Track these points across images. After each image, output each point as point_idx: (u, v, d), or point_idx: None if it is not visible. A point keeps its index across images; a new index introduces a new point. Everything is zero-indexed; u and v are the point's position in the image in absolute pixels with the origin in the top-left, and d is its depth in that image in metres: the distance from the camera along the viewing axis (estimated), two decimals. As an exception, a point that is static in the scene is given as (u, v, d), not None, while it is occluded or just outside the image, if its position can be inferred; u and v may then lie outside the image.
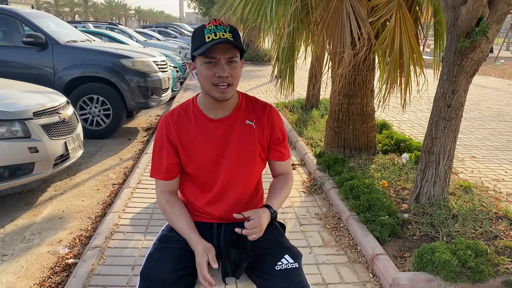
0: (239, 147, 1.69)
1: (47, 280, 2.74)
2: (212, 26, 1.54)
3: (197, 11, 38.43)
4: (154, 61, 6.44)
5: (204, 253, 1.55)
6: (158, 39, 16.21)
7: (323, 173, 4.37)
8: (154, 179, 1.74)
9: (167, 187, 1.73)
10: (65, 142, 3.88)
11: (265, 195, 1.89)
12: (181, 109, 1.72)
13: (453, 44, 3.10)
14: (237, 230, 1.55)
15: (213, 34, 1.52)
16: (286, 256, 1.58)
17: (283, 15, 4.25)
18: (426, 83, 4.27)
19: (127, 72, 5.95)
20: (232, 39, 1.52)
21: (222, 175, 1.70)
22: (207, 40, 1.51)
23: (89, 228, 3.46)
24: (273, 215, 1.67)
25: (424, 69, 4.18)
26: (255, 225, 1.55)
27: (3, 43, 6.01)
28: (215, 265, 1.53)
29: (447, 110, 3.24)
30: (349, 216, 3.39)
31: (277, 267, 1.55)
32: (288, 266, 1.55)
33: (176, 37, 22.05)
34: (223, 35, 1.52)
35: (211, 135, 1.67)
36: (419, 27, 4.43)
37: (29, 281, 2.72)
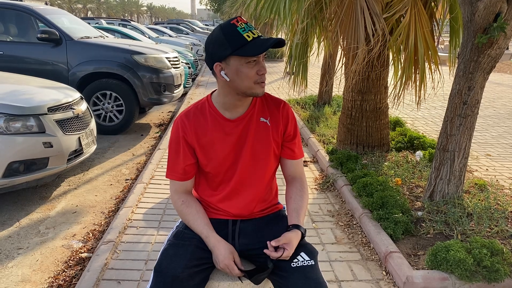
0: (254, 145, 1.67)
1: (62, 273, 2.77)
2: (243, 24, 1.51)
3: (208, 7, 38.51)
4: (166, 58, 6.46)
5: (230, 254, 1.58)
6: (170, 36, 16.27)
7: (335, 170, 4.35)
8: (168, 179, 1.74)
9: (183, 187, 1.72)
10: (79, 138, 3.91)
11: (278, 193, 1.89)
12: (196, 109, 1.69)
13: (469, 40, 3.06)
14: (269, 254, 1.55)
15: (250, 32, 1.50)
16: (302, 254, 1.57)
17: (296, 11, 4.23)
18: (442, 80, 4.21)
19: (140, 68, 5.98)
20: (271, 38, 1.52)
21: (237, 173, 1.69)
22: (248, 39, 1.49)
23: (102, 223, 3.49)
24: (304, 234, 1.64)
25: (439, 65, 4.12)
26: (288, 256, 1.55)
27: (18, 39, 6.08)
28: (242, 267, 1.57)
29: (462, 107, 3.19)
30: (362, 213, 3.37)
31: (293, 264, 1.54)
32: (304, 263, 1.55)
33: (188, 34, 22.15)
34: (257, 33, 1.52)
35: (229, 135, 1.66)
36: (434, 23, 4.37)
37: (44, 274, 2.76)
